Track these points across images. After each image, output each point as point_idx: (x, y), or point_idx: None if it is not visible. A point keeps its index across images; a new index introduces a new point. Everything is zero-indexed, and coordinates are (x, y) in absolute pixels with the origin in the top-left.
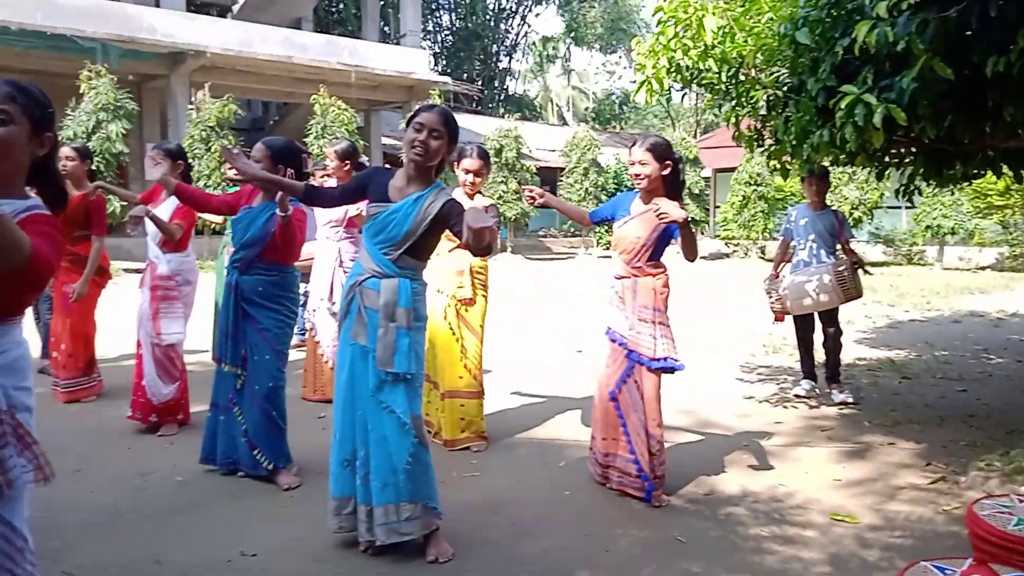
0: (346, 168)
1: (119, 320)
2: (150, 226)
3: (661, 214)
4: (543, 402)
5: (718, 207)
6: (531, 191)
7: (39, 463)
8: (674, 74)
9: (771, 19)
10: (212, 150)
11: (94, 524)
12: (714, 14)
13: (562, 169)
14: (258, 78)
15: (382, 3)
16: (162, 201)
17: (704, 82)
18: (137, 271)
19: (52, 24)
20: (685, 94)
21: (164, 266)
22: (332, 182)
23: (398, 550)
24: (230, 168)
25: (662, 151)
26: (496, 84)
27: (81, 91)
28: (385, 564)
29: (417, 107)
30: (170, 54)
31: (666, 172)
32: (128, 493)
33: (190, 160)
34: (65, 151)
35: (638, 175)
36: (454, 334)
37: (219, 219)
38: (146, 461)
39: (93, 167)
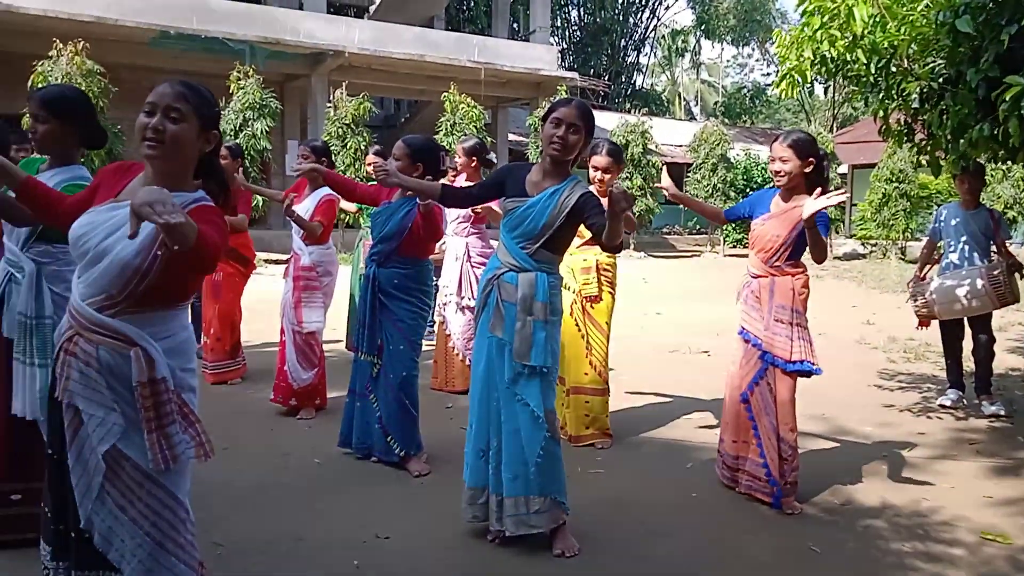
0: (473, 165)
1: (262, 308)
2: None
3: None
4: (669, 401)
5: (855, 205)
6: (663, 183)
7: (200, 440)
8: (818, 66)
9: (927, 6)
10: (348, 146)
11: (240, 499)
12: (865, 3)
13: (689, 165)
14: (391, 76)
15: (512, 0)
16: (306, 196)
17: (851, 74)
18: (277, 262)
19: (206, 28)
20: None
21: (306, 258)
22: (461, 179)
23: (525, 542)
24: (377, 173)
25: (805, 147)
26: (623, 79)
27: (231, 91)
28: (512, 555)
29: (554, 102)
30: (311, 54)
31: (808, 169)
32: (271, 472)
33: None
34: (301, 150)
35: (779, 172)
36: (579, 331)
37: (353, 208)
38: (287, 442)
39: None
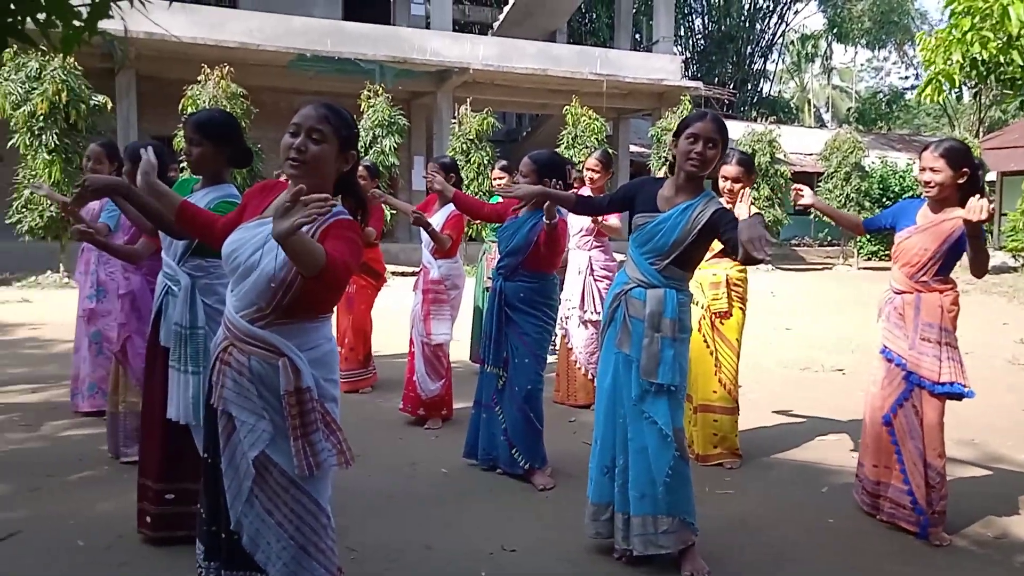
0: (605, 177)
1: (391, 319)
2: (424, 234)
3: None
4: (802, 422)
5: (1004, 215)
6: (798, 188)
7: (342, 448)
8: (968, 70)
9: None
10: (472, 161)
11: (372, 507)
12: (1021, 1)
13: (820, 174)
14: (514, 91)
15: (635, 11)
16: (435, 212)
17: (1004, 77)
18: (404, 274)
19: (339, 50)
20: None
21: (435, 271)
22: (585, 191)
23: (652, 562)
24: (504, 188)
25: (958, 157)
26: (749, 87)
27: (361, 109)
28: (640, 575)
29: (687, 116)
30: (437, 72)
31: (962, 180)
32: (400, 480)
33: None
34: (358, 169)
35: (929, 183)
36: (708, 347)
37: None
38: (415, 451)
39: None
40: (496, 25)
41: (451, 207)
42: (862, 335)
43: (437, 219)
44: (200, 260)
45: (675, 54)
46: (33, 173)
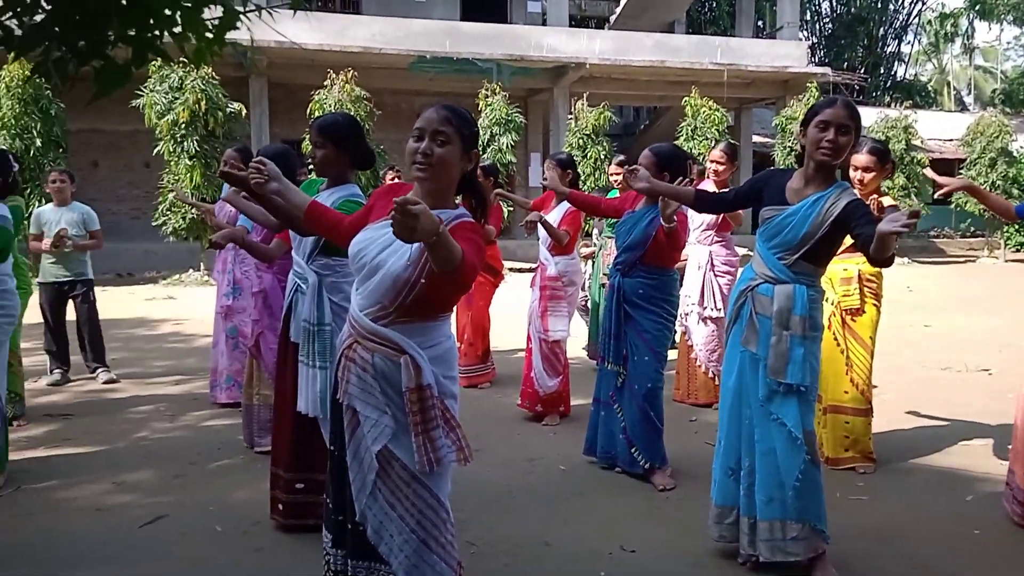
0: (730, 169)
1: (509, 315)
2: (541, 231)
3: None
4: (944, 425)
5: None
6: (940, 180)
7: (461, 445)
8: None
9: None
10: (588, 156)
11: (490, 502)
12: None
13: (962, 160)
14: (631, 84)
15: None
16: (552, 208)
17: None
18: (521, 270)
19: (457, 50)
20: None
21: (552, 268)
22: (708, 185)
23: (780, 569)
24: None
25: None
26: (881, 71)
27: (479, 108)
28: None
29: (816, 102)
30: (554, 68)
31: None
32: (519, 476)
33: None
34: (547, 163)
35: None
36: (838, 345)
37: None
38: (533, 447)
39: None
40: (613, 19)
41: (568, 203)
42: (1011, 333)
43: (554, 215)
44: (327, 259)
45: (801, 39)
46: (176, 178)
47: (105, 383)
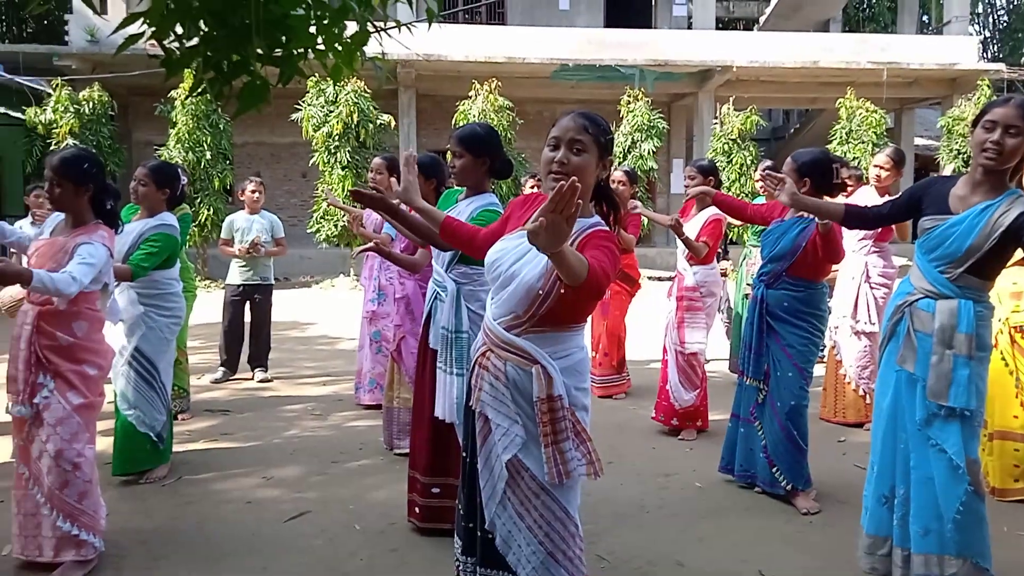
0: (895, 176)
1: (646, 325)
2: (679, 239)
3: None
4: None
5: None
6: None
7: (591, 458)
8: None
9: None
10: (734, 161)
11: (622, 515)
12: None
13: None
14: (780, 86)
15: None
16: (692, 217)
17: None
18: (660, 279)
19: (600, 57)
20: None
21: (690, 278)
22: (863, 193)
23: None
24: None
25: None
26: None
27: (621, 115)
28: None
29: (987, 102)
30: (699, 72)
31: None
32: (652, 491)
33: None
34: (617, 175)
35: None
36: (1006, 365)
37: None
38: (668, 462)
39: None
40: (762, 20)
41: (708, 212)
42: None
43: (694, 224)
44: (466, 267)
45: (971, 34)
46: (329, 187)
47: (260, 382)
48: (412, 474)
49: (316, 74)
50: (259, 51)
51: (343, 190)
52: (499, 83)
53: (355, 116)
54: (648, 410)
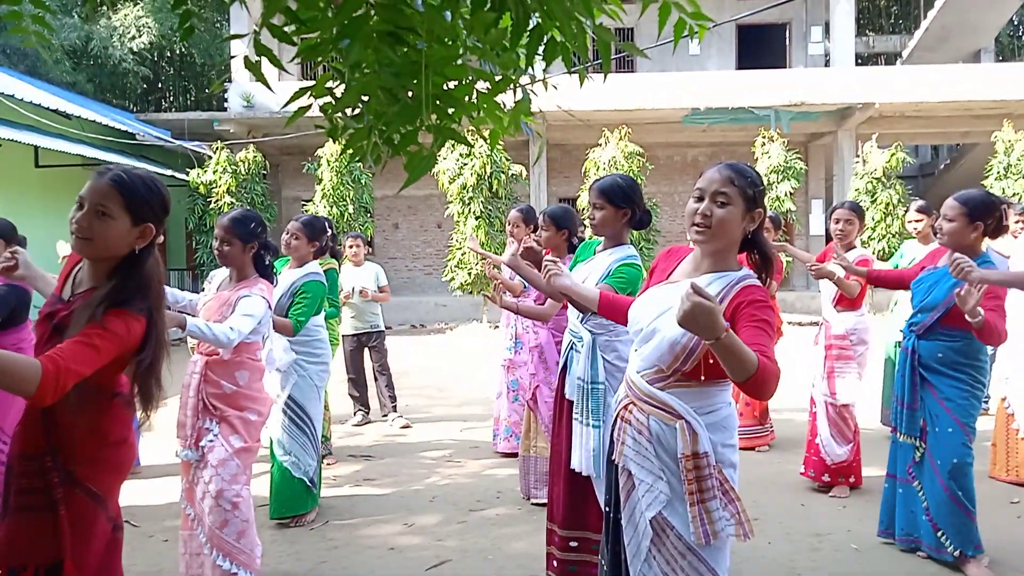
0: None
1: (787, 373)
2: (823, 284)
3: None
4: None
5: None
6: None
7: (740, 519)
8: None
9: None
10: (878, 201)
11: None
12: None
13: None
14: (928, 121)
15: None
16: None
17: None
18: (801, 324)
19: (733, 99)
20: None
21: (839, 325)
22: None
23: None
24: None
25: None
26: None
27: (755, 156)
28: None
29: None
30: (838, 110)
31: None
32: (803, 552)
33: None
34: (843, 214)
35: None
36: None
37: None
38: (819, 521)
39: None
40: (906, 53)
41: (854, 254)
42: None
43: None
44: (600, 318)
45: None
46: (463, 236)
47: (401, 428)
48: (550, 526)
49: (475, 140)
50: (426, 123)
51: (477, 239)
52: (629, 130)
53: (488, 168)
54: (795, 463)
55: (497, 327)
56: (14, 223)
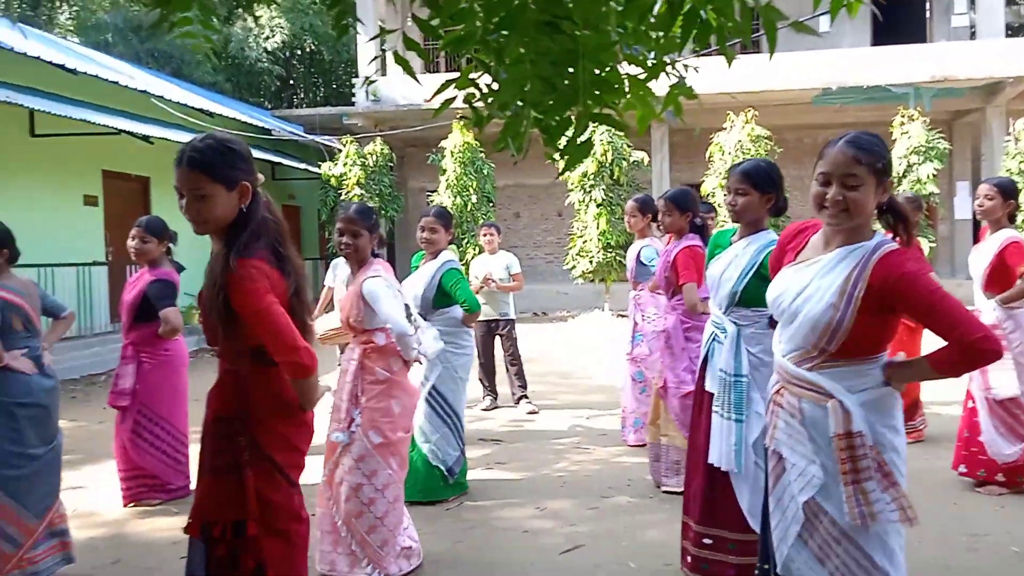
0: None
1: None
2: (973, 270)
3: None
4: None
5: None
6: None
7: (903, 504)
8: None
9: None
10: None
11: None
12: None
13: None
14: None
15: None
16: (986, 238)
17: None
18: None
19: (868, 77)
20: None
21: (990, 314)
22: None
23: None
24: None
25: None
26: None
27: (893, 137)
28: None
29: None
30: (985, 86)
31: None
32: (958, 553)
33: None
34: (984, 189)
35: None
36: None
37: None
38: (975, 521)
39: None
40: None
41: (1004, 235)
42: None
43: (987, 248)
44: (745, 310)
45: None
46: (584, 225)
47: (528, 413)
48: (685, 520)
49: (624, 129)
50: (581, 110)
51: (597, 227)
52: (756, 112)
53: (609, 155)
54: (945, 460)
55: (621, 315)
56: (165, 220)
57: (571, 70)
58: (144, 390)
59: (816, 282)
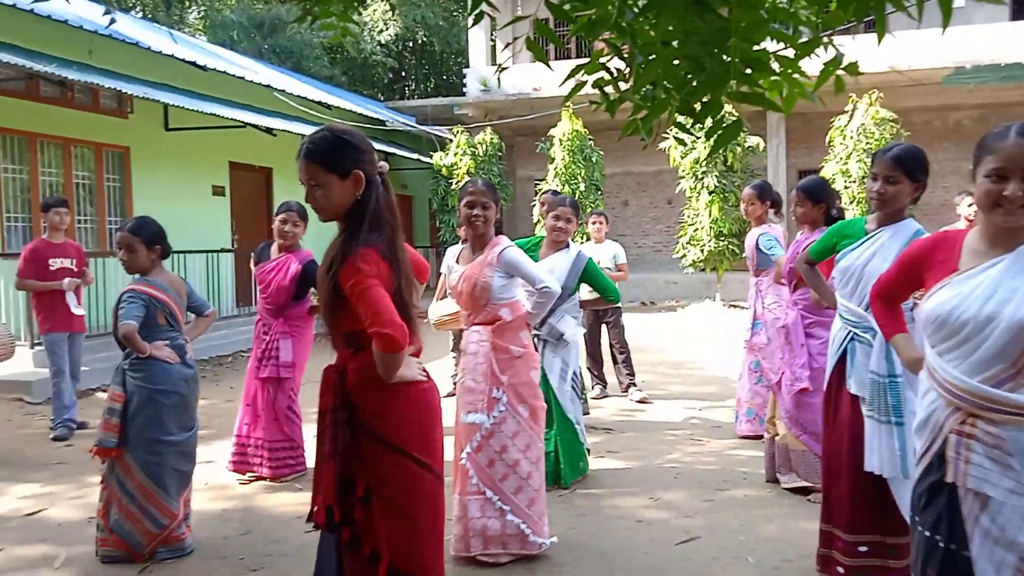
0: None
1: None
2: None
3: None
4: None
5: None
6: None
7: None
8: None
9: None
10: None
11: None
12: None
13: None
14: None
15: None
16: None
17: None
18: None
19: (1007, 54)
20: None
21: None
22: None
23: None
24: None
25: None
26: None
27: None
28: None
29: None
30: None
31: None
32: None
33: None
34: None
35: None
36: None
37: None
38: None
39: None
40: None
41: None
42: None
43: None
44: None
45: None
46: (695, 213)
47: (638, 402)
48: (827, 528)
49: (774, 108)
50: (731, 91)
51: (710, 215)
52: (880, 94)
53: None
54: None
55: (733, 305)
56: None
57: (718, 51)
58: (298, 364)
59: (1009, 283)
